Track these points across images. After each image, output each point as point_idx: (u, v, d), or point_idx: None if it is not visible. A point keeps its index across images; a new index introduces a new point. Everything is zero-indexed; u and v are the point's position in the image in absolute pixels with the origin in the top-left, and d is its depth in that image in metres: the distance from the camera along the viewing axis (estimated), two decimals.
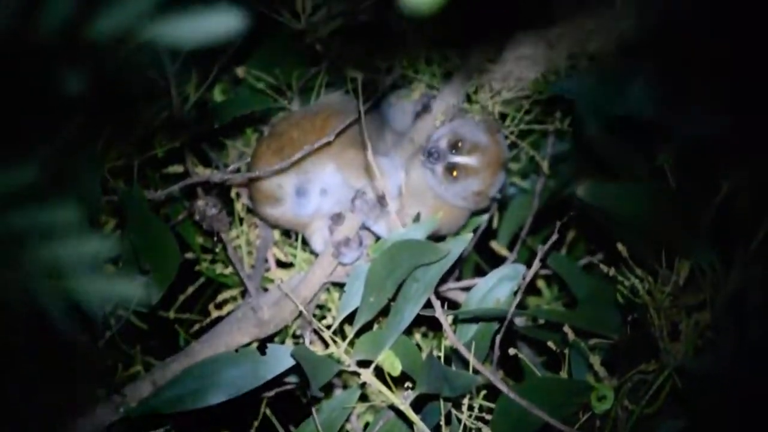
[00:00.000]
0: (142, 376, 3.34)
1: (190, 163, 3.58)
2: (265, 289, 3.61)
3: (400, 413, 3.00)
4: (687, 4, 3.12)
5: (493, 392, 2.97)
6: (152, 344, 3.57)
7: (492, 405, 2.98)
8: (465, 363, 2.94)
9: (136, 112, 3.28)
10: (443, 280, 3.08)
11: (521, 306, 3.00)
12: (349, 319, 3.05)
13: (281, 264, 3.78)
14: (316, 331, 3.20)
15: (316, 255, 3.56)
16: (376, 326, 3.12)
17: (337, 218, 3.36)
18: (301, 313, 3.23)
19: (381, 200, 3.26)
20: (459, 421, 3.00)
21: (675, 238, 2.86)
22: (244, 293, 3.61)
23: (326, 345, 3.04)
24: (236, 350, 3.21)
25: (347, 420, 3.25)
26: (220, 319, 3.54)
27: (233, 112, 3.44)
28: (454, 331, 3.03)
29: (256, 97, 3.65)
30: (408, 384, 2.95)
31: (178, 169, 3.65)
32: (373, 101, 3.38)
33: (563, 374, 3.01)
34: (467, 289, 3.46)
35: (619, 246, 2.87)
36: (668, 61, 3.09)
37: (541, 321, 3.26)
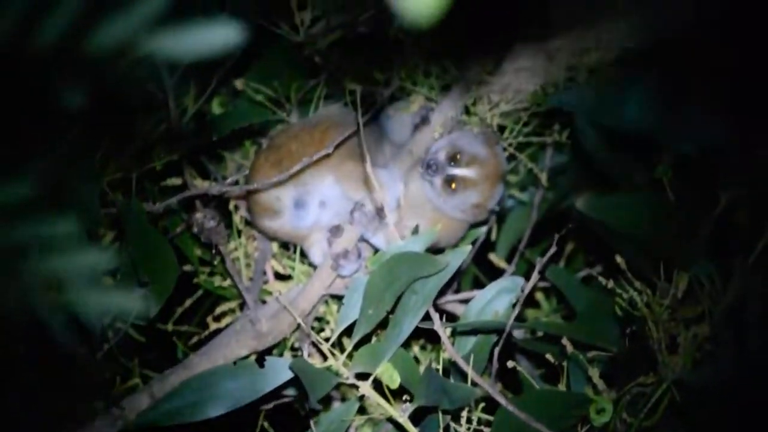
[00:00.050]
0: (140, 389, 3.33)
1: (189, 175, 3.58)
2: (264, 302, 3.61)
3: (398, 426, 3.00)
4: (685, 16, 3.13)
5: (491, 405, 2.96)
6: (150, 357, 3.57)
7: (490, 417, 2.98)
8: (463, 375, 2.94)
9: (134, 124, 3.29)
10: (442, 292, 3.08)
11: (520, 318, 3.00)
12: (348, 331, 3.04)
13: (280, 276, 3.78)
14: (314, 344, 3.19)
15: (315, 267, 3.56)
16: (374, 339, 3.11)
17: (335, 230, 3.37)
18: (299, 325, 3.23)
19: (380, 212, 3.26)
20: None
21: (674, 250, 2.86)
22: (243, 306, 3.61)
23: (325, 357, 3.04)
24: (234, 363, 3.21)
25: None
26: (218, 331, 3.54)
27: (232, 124, 3.44)
28: (453, 344, 3.03)
29: (255, 110, 3.65)
30: (406, 396, 2.95)
31: (176, 181, 3.64)
32: (371, 113, 3.39)
33: (562, 387, 3.01)
34: (466, 301, 3.46)
35: (618, 258, 2.87)
36: (667, 73, 3.10)
37: (540, 333, 3.26)
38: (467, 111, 3.40)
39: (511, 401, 2.88)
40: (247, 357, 3.37)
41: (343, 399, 3.52)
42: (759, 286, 2.73)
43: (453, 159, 3.27)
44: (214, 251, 3.61)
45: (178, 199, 3.33)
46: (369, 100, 3.40)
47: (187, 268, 3.69)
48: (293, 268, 3.72)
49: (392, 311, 2.98)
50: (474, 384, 2.91)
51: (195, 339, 3.72)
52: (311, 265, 3.64)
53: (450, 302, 3.73)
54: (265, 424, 3.59)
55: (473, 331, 3.07)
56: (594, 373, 2.85)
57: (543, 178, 3.54)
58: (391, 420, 3.04)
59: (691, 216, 2.95)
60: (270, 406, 3.50)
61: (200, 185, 3.59)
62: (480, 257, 3.94)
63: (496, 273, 3.88)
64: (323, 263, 3.41)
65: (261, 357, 3.14)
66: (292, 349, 3.58)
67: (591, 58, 3.31)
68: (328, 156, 3.23)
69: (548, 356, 2.99)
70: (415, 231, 3.14)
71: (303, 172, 3.32)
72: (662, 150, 2.99)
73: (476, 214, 3.40)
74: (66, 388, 2.90)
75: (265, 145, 3.60)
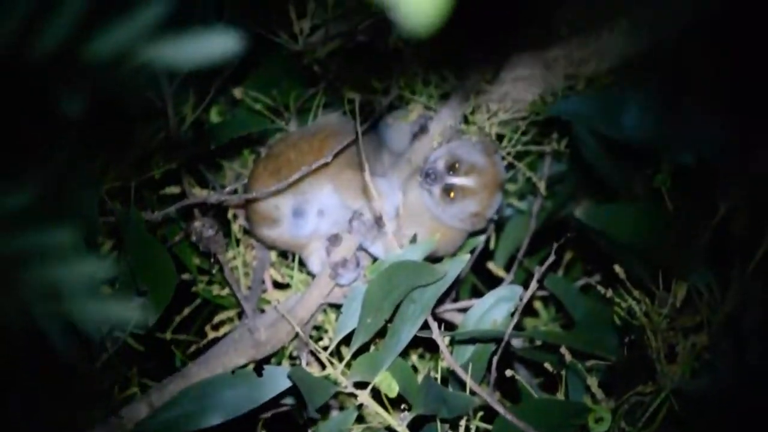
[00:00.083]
0: (138, 398, 3.33)
1: (187, 184, 3.57)
2: (262, 311, 3.61)
3: None
4: (683, 25, 3.13)
5: (490, 413, 2.96)
6: (149, 366, 3.56)
7: (489, 426, 2.97)
8: (462, 384, 2.94)
9: (133, 133, 3.29)
10: (440, 301, 3.08)
11: (518, 327, 3.00)
12: (346, 340, 3.04)
13: (278, 285, 3.78)
14: (312, 353, 3.19)
15: (313, 276, 3.56)
16: (373, 347, 3.11)
17: (334, 239, 3.37)
18: (297, 334, 3.23)
19: (378, 221, 3.26)
20: None
21: (672, 259, 2.86)
22: (241, 314, 3.61)
23: (323, 366, 3.04)
24: (233, 372, 3.20)
25: None
26: (216, 340, 3.54)
27: (230, 133, 3.44)
28: (451, 353, 3.03)
29: (254, 119, 3.65)
30: (405, 405, 2.95)
31: (175, 190, 3.64)
32: (370, 122, 3.39)
33: (560, 396, 3.01)
34: (464, 310, 3.46)
35: (617, 267, 2.87)
36: (665, 82, 3.10)
37: (538, 342, 3.26)
38: (466, 120, 3.40)
39: (510, 410, 2.87)
40: (245, 366, 3.36)
41: (342, 408, 3.52)
42: (757, 295, 2.73)
43: (452, 168, 3.27)
44: (212, 260, 3.61)
45: (176, 208, 3.33)
46: (368, 109, 3.41)
47: (186, 276, 3.69)
48: (292, 277, 3.72)
49: (391, 320, 2.98)
50: (472, 393, 2.91)
51: (193, 348, 3.71)
52: (310, 273, 3.64)
53: (448, 311, 3.73)
54: None
55: (472, 340, 3.07)
56: (592, 382, 2.85)
57: (541, 187, 3.54)
58: (389, 429, 3.03)
59: (690, 225, 2.96)
60: (268, 415, 3.50)
61: (199, 194, 3.59)
62: (478, 266, 3.95)
63: (494, 282, 3.88)
64: (322, 272, 3.41)
65: (259, 366, 3.14)
66: (291, 357, 3.58)
67: (589, 67, 3.32)
68: (326, 165, 3.23)
69: (547, 365, 2.99)
70: (414, 240, 3.14)
71: (302, 181, 3.32)
72: (661, 159, 2.99)
73: (475, 223, 3.40)
74: (65, 397, 2.89)
75: (264, 154, 3.61)
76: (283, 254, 3.78)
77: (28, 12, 1.40)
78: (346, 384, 2.98)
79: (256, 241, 3.74)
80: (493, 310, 3.07)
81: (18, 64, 1.41)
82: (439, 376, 3.03)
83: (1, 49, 1.40)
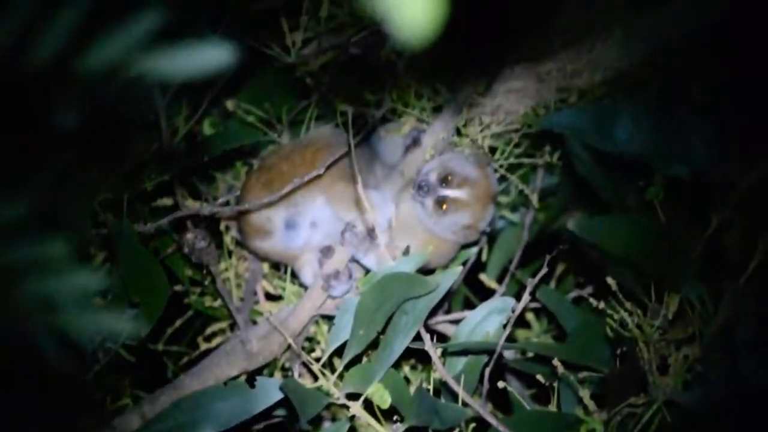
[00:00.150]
0: (130, 409, 3.33)
1: (180, 196, 3.58)
2: (254, 322, 3.62)
3: None
4: (675, 38, 3.14)
5: (482, 425, 2.96)
6: (141, 377, 3.56)
7: None
8: (454, 396, 2.94)
9: (126, 144, 3.29)
10: (432, 313, 3.09)
11: (510, 339, 3.00)
12: (339, 351, 3.04)
13: (270, 297, 3.78)
14: (305, 364, 3.19)
15: (306, 288, 3.56)
16: (365, 359, 3.11)
17: (326, 251, 3.37)
18: (290, 345, 3.23)
19: (371, 233, 3.26)
20: None
21: (664, 271, 2.86)
22: (233, 326, 3.62)
23: (315, 378, 3.04)
24: (225, 383, 3.20)
25: None
26: (209, 351, 3.54)
27: (223, 145, 3.44)
28: (444, 364, 3.03)
29: (246, 131, 3.65)
30: (397, 417, 2.94)
31: (167, 202, 3.64)
32: (363, 135, 3.39)
33: (552, 407, 3.01)
34: (456, 322, 3.45)
35: (609, 279, 2.87)
36: (658, 95, 3.11)
37: (530, 354, 3.26)
38: (458, 132, 3.40)
39: (502, 422, 2.88)
40: (237, 377, 3.37)
41: (334, 419, 3.51)
42: (750, 308, 2.74)
43: (444, 180, 3.27)
44: (204, 272, 3.61)
45: (169, 220, 3.33)
46: (360, 122, 3.41)
47: (178, 288, 3.68)
48: (284, 289, 3.72)
49: (383, 332, 2.98)
50: (465, 404, 2.91)
51: (185, 359, 3.71)
52: (302, 285, 3.64)
53: (441, 323, 3.73)
54: None
55: (464, 352, 3.07)
56: (585, 393, 2.85)
57: (534, 199, 3.54)
58: None
59: (682, 237, 2.96)
60: (260, 426, 3.48)
61: (191, 206, 3.59)
62: (471, 278, 3.95)
63: (486, 294, 3.89)
64: (314, 284, 3.41)
65: (251, 377, 3.14)
66: (283, 369, 3.58)
67: (582, 79, 3.32)
68: (319, 177, 3.23)
69: (539, 377, 2.99)
70: (406, 252, 3.15)
71: (294, 193, 3.33)
72: (654, 171, 3.00)
73: (467, 235, 3.40)
74: (57, 408, 2.89)
75: (257, 166, 3.61)
76: (276, 266, 3.78)
77: (23, 23, 1.40)
78: (338, 395, 2.98)
79: (248, 253, 3.74)
80: (485, 322, 3.08)
81: (12, 75, 1.41)
82: (431, 387, 3.03)
83: None
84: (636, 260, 2.86)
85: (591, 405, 2.88)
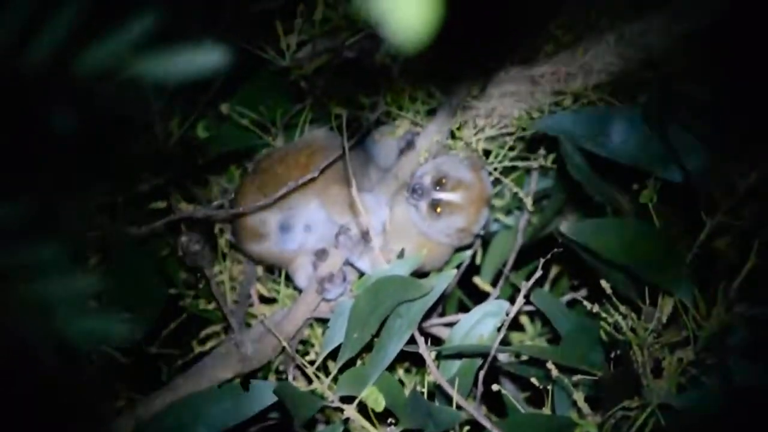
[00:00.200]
0: (125, 412, 3.32)
1: (174, 199, 3.57)
2: (249, 325, 3.61)
3: None
4: (669, 41, 3.15)
5: (476, 428, 2.96)
6: (136, 379, 3.56)
7: None
8: (448, 399, 2.94)
9: (120, 147, 3.29)
10: (427, 316, 3.08)
11: (504, 342, 3.00)
12: (333, 354, 3.04)
13: (264, 300, 3.77)
14: (299, 367, 3.19)
15: (300, 291, 3.56)
16: (359, 362, 3.11)
17: (321, 254, 3.37)
18: (284, 348, 3.23)
19: (365, 236, 3.26)
20: None
21: (658, 275, 2.86)
22: (228, 329, 3.61)
23: (309, 381, 3.04)
24: (219, 386, 3.20)
25: None
26: (203, 354, 3.53)
27: (218, 148, 3.45)
28: (438, 367, 3.03)
29: (241, 134, 3.65)
30: (391, 420, 2.94)
31: (161, 205, 3.64)
32: (357, 138, 3.39)
33: (546, 410, 3.01)
34: (451, 325, 3.46)
35: (603, 282, 2.87)
36: (652, 99, 3.11)
37: (525, 357, 3.25)
38: (453, 136, 3.40)
39: (496, 425, 2.88)
40: (231, 380, 3.36)
41: (328, 422, 3.51)
42: (743, 311, 2.74)
43: (438, 183, 3.27)
44: (199, 275, 3.61)
45: (163, 223, 3.33)
46: (355, 125, 3.41)
47: (173, 291, 3.68)
48: (278, 292, 3.72)
49: (377, 335, 2.98)
50: (459, 407, 2.91)
51: (180, 362, 3.70)
52: (296, 288, 3.64)
53: (435, 326, 3.73)
54: None
55: (458, 355, 3.07)
56: (579, 396, 2.85)
57: (528, 202, 3.53)
58: None
59: (676, 241, 2.97)
60: (255, 429, 3.48)
61: (185, 209, 3.58)
62: (465, 281, 3.95)
63: (480, 297, 3.89)
64: (308, 287, 3.41)
65: (246, 380, 3.14)
66: (277, 372, 3.58)
67: (576, 83, 3.33)
68: (313, 180, 3.24)
69: (533, 380, 2.99)
70: (401, 255, 3.15)
71: (288, 196, 3.33)
72: (647, 175, 3.00)
73: (461, 238, 3.40)
74: (52, 411, 2.88)
75: (251, 169, 3.61)
76: (270, 269, 3.78)
77: (20, 25, 1.41)
78: (332, 398, 2.98)
79: (242, 256, 3.74)
80: (479, 325, 3.08)
81: (8, 76, 1.41)
82: (425, 390, 3.03)
83: None
84: (630, 263, 2.87)
85: (585, 408, 2.88)
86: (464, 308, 3.98)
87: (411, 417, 2.88)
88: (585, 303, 2.92)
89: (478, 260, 3.97)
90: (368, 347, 3.01)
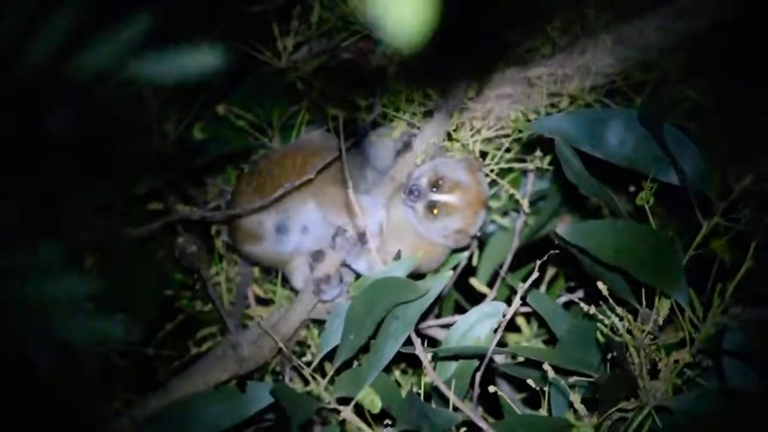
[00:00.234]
0: (121, 413, 3.32)
1: (171, 200, 3.57)
2: (245, 326, 3.61)
3: None
4: (667, 46, 3.15)
5: (473, 429, 2.95)
6: (132, 381, 3.56)
7: None
8: (445, 400, 2.94)
9: (118, 148, 3.29)
10: (423, 317, 3.08)
11: (501, 343, 3.00)
12: (330, 356, 3.05)
13: (261, 301, 3.78)
14: (295, 369, 3.19)
15: (297, 292, 3.56)
16: (356, 364, 3.11)
17: (317, 255, 3.37)
18: (280, 350, 3.23)
19: (361, 238, 3.27)
20: None
21: (654, 276, 2.86)
22: (224, 330, 3.60)
23: (306, 382, 3.04)
24: (216, 387, 3.20)
25: None
26: (199, 355, 3.53)
27: (215, 150, 3.45)
28: (434, 369, 3.03)
29: (237, 136, 3.65)
30: (388, 421, 2.94)
31: (158, 206, 3.64)
32: (354, 139, 3.39)
33: (543, 412, 3.00)
34: (447, 326, 3.46)
35: (599, 284, 2.87)
36: (649, 101, 3.11)
37: (521, 358, 3.25)
38: (449, 137, 3.40)
39: (493, 426, 2.88)
40: (228, 381, 3.36)
41: (325, 424, 3.50)
42: (739, 313, 2.74)
43: (435, 185, 3.27)
44: (195, 276, 3.61)
45: (160, 224, 3.33)
46: (351, 126, 3.41)
47: (169, 292, 3.68)
48: (275, 293, 3.72)
49: (374, 336, 2.98)
50: (455, 409, 2.91)
51: (176, 363, 3.70)
52: (293, 290, 3.63)
53: (431, 327, 3.73)
54: None
55: (455, 356, 3.07)
56: (575, 398, 2.85)
57: (524, 203, 3.53)
58: None
59: (673, 243, 2.97)
60: (251, 430, 3.48)
61: (182, 210, 3.58)
62: (461, 282, 3.94)
63: (477, 298, 3.88)
64: (305, 288, 3.41)
65: (242, 382, 3.13)
66: (274, 373, 3.58)
67: (573, 84, 3.33)
68: (310, 181, 3.24)
69: (529, 381, 2.98)
70: (397, 256, 3.15)
71: (285, 198, 3.33)
72: (644, 177, 3.00)
73: (458, 239, 3.40)
74: (47, 412, 2.88)
75: (248, 170, 3.61)
76: (267, 270, 3.78)
77: (17, 27, 1.41)
78: (329, 400, 2.98)
79: (239, 257, 3.74)
80: (476, 327, 3.07)
81: (4, 80, 1.41)
82: (422, 392, 3.03)
83: None
84: (626, 265, 2.86)
85: (581, 409, 2.87)
86: (461, 310, 3.98)
87: (407, 418, 2.87)
88: (581, 304, 2.92)
89: (474, 262, 3.97)
90: (365, 349, 3.01)
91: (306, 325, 3.51)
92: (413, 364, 3.67)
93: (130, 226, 3.31)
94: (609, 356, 2.92)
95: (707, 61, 3.20)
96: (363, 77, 3.50)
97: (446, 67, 3.28)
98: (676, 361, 2.84)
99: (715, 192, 2.90)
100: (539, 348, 3.69)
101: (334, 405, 2.98)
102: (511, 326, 3.89)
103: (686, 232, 3.08)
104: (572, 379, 2.96)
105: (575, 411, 2.90)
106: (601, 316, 2.84)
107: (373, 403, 2.96)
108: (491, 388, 3.01)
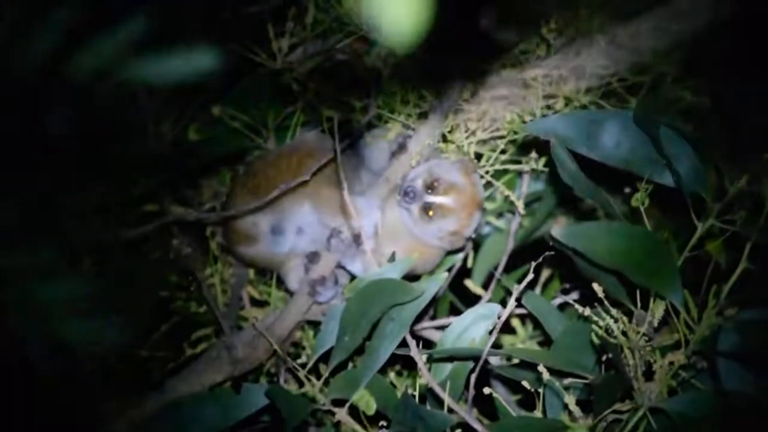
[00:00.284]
0: (116, 415, 3.31)
1: (166, 201, 3.57)
2: (240, 328, 3.60)
3: None
4: (662, 47, 3.15)
5: (467, 431, 2.96)
6: (127, 382, 3.55)
7: None
8: (440, 402, 2.94)
9: (113, 150, 3.29)
10: (418, 319, 3.09)
11: (496, 345, 2.99)
12: (325, 357, 3.04)
13: (256, 302, 3.77)
14: (290, 370, 3.19)
15: (291, 293, 3.55)
16: (351, 365, 3.11)
17: (312, 257, 3.37)
18: (275, 351, 3.23)
19: (356, 239, 3.26)
20: None
21: (649, 278, 2.86)
22: (219, 332, 3.60)
23: (301, 384, 3.04)
24: (211, 389, 3.20)
25: None
26: (194, 357, 3.53)
27: (210, 152, 3.45)
28: (429, 370, 3.03)
29: (233, 137, 3.65)
30: (383, 423, 2.94)
31: (153, 207, 3.63)
32: (349, 141, 3.39)
33: (538, 413, 3.00)
34: (442, 328, 3.47)
35: (594, 286, 2.87)
36: (644, 102, 3.11)
37: (516, 360, 3.25)
38: (444, 139, 3.40)
39: (488, 428, 2.88)
40: (223, 383, 3.36)
41: (319, 425, 3.50)
42: (734, 315, 2.75)
43: (430, 187, 3.27)
44: (190, 277, 3.61)
45: (154, 226, 3.32)
46: (346, 128, 3.41)
47: (164, 293, 3.67)
48: (270, 294, 3.71)
49: (369, 338, 2.98)
50: (450, 410, 2.91)
51: (172, 365, 3.70)
52: (288, 291, 3.63)
53: (426, 329, 3.73)
54: None
55: (449, 358, 3.07)
56: (570, 399, 2.85)
57: (519, 205, 3.53)
58: None
59: (668, 244, 2.97)
60: None
61: (177, 212, 3.58)
62: (456, 284, 3.94)
63: (472, 300, 3.88)
64: (300, 289, 3.41)
65: (237, 383, 3.13)
66: (269, 375, 3.58)
67: (568, 86, 3.33)
68: (305, 183, 3.23)
69: (524, 383, 2.98)
70: (392, 258, 3.15)
71: (280, 199, 3.33)
72: (639, 178, 3.00)
73: (453, 241, 3.40)
74: (43, 413, 2.88)
75: (243, 172, 3.61)
76: (261, 272, 3.77)
77: (12, 29, 1.40)
78: (324, 401, 2.98)
79: (234, 259, 3.74)
80: (471, 328, 3.07)
81: (2, 80, 1.41)
82: (417, 393, 3.03)
83: None
84: (621, 267, 2.86)
85: (576, 411, 2.87)
86: (456, 311, 3.97)
87: (402, 420, 2.87)
88: (576, 306, 2.92)
89: (469, 263, 3.96)
90: (360, 350, 3.01)
91: (301, 326, 3.51)
92: (408, 365, 3.66)
93: (125, 228, 3.31)
94: (604, 358, 2.93)
95: (702, 63, 3.20)
96: (358, 78, 3.50)
97: (441, 69, 3.29)
98: (671, 363, 2.83)
99: (710, 193, 2.91)
100: (534, 349, 3.69)
101: (329, 406, 2.98)
102: (506, 328, 3.89)
103: (681, 233, 3.08)
104: (567, 381, 2.96)
105: (570, 412, 2.90)
106: (596, 318, 2.84)
107: (368, 404, 2.96)
108: (486, 390, 3.00)
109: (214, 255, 3.72)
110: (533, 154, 3.51)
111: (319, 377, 3.02)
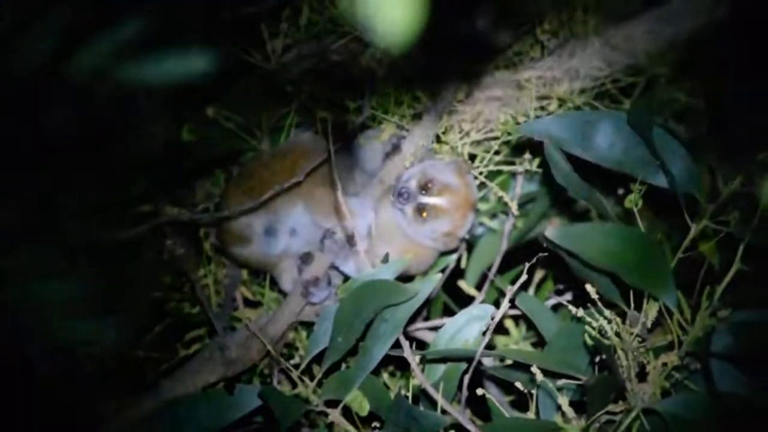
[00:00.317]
0: (110, 416, 3.31)
1: (160, 202, 3.56)
2: (233, 329, 3.60)
3: None
4: (656, 49, 3.16)
5: None
6: (121, 383, 3.55)
7: None
8: (433, 403, 2.93)
9: (107, 151, 3.29)
10: (412, 319, 3.08)
11: (489, 346, 3.00)
12: (318, 358, 3.04)
13: (249, 303, 3.77)
14: (284, 371, 3.19)
15: (285, 294, 3.55)
16: (344, 366, 3.11)
17: (306, 258, 3.37)
18: (269, 352, 3.23)
19: (350, 240, 3.26)
20: None
21: (643, 279, 2.86)
22: (212, 332, 3.60)
23: (294, 385, 3.04)
24: (204, 389, 3.20)
25: None
26: (188, 358, 3.52)
27: (204, 152, 3.44)
28: (423, 371, 3.02)
29: (227, 138, 3.65)
30: (376, 424, 2.94)
31: (147, 208, 3.63)
32: (343, 142, 3.39)
33: (531, 414, 3.00)
34: (436, 329, 3.46)
35: (588, 287, 2.87)
36: (638, 104, 3.12)
37: (509, 361, 3.25)
38: (438, 140, 3.40)
39: (481, 429, 2.87)
40: (216, 384, 3.36)
41: (313, 426, 3.50)
42: (727, 316, 2.75)
43: (424, 187, 3.27)
44: (184, 278, 3.60)
45: (149, 226, 3.32)
46: (340, 129, 3.40)
47: (158, 294, 3.67)
48: (263, 295, 3.72)
49: (362, 339, 2.98)
50: (443, 411, 2.91)
51: (165, 366, 3.69)
52: (281, 292, 3.63)
53: (420, 330, 3.73)
54: None
55: (443, 359, 3.06)
56: (563, 401, 2.84)
57: (513, 206, 3.53)
58: None
59: (661, 245, 2.97)
60: None
61: (171, 212, 3.58)
62: (450, 285, 3.94)
63: (465, 300, 3.88)
64: (293, 290, 3.41)
65: (230, 384, 3.13)
66: (262, 376, 3.57)
67: (562, 87, 3.33)
68: (298, 184, 3.23)
69: (518, 384, 2.98)
70: (386, 259, 3.14)
71: (274, 200, 3.33)
72: (632, 180, 3.00)
73: (447, 242, 3.40)
74: (40, 414, 2.88)
75: (236, 173, 3.61)
76: (255, 272, 3.77)
77: (12, 29, 1.40)
78: (317, 402, 2.98)
79: (227, 260, 3.73)
80: (464, 329, 3.07)
81: (2, 80, 1.41)
82: (410, 394, 3.03)
83: None
84: (614, 268, 2.86)
85: (569, 412, 2.87)
86: (449, 312, 3.98)
87: (395, 421, 2.87)
88: (570, 307, 2.92)
89: (463, 264, 3.97)
90: (353, 351, 3.01)
91: (294, 327, 3.51)
92: (401, 366, 3.67)
93: (118, 228, 3.30)
94: (597, 359, 2.93)
95: (696, 64, 3.20)
96: (352, 79, 3.50)
97: (435, 70, 3.29)
98: (665, 364, 2.83)
99: (703, 194, 2.91)
100: (527, 351, 3.69)
101: (322, 407, 2.98)
102: (500, 329, 3.89)
103: (675, 234, 3.09)
104: (560, 382, 2.96)
105: (563, 414, 2.89)
106: (589, 319, 2.84)
107: (361, 405, 2.96)
108: (479, 391, 3.00)
109: (207, 256, 3.72)
110: (527, 155, 3.51)
111: (312, 378, 3.02)
